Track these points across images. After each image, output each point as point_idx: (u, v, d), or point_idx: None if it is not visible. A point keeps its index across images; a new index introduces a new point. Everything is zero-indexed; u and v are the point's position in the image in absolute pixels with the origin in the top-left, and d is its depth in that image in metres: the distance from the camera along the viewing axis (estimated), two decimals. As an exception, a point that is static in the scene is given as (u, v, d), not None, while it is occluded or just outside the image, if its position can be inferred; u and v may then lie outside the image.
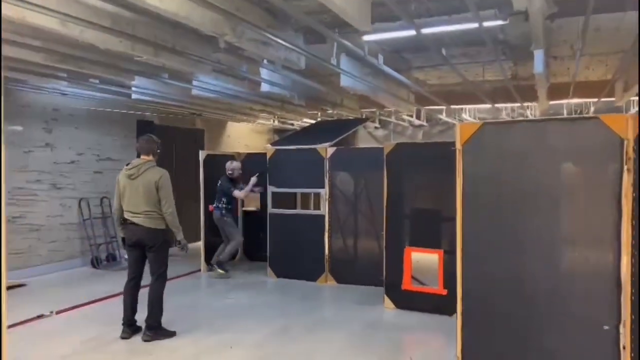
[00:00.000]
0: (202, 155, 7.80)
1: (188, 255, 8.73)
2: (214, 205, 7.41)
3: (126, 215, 4.65)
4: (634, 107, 9.27)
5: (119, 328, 4.80)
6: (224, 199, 7.31)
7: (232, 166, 7.45)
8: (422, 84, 8.40)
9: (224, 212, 7.32)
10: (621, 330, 2.76)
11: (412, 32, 4.13)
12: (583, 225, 2.96)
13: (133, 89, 7.05)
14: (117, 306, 5.11)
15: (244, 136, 12.76)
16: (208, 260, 7.61)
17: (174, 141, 10.22)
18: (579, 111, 10.17)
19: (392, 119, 11.67)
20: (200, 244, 7.77)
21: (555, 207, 3.06)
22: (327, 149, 6.92)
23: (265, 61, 5.65)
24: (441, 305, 5.30)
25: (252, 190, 7.52)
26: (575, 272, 2.96)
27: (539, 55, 5.31)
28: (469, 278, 3.31)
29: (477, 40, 6.01)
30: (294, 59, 5.31)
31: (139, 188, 4.58)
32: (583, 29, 4.03)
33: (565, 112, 9.97)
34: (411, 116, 10.94)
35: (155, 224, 4.61)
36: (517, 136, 3.15)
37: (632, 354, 2.74)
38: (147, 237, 4.60)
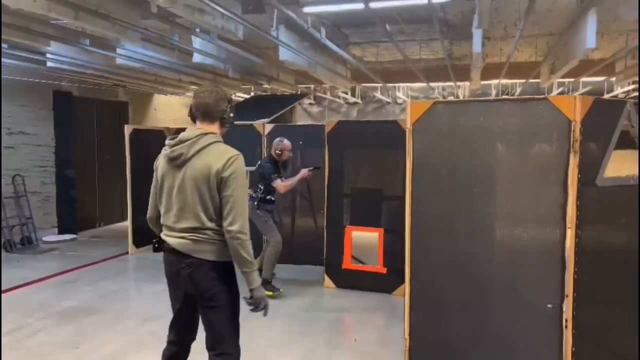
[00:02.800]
0: (127, 130, 7.28)
1: (113, 236, 8.29)
2: (249, 192, 5.18)
3: (163, 231, 2.60)
4: (556, 89, 9.75)
5: (39, 319, 4.38)
6: (261, 186, 5.33)
7: (282, 145, 5.39)
8: (359, 60, 8.31)
9: (258, 203, 5.29)
10: (564, 307, 2.84)
11: (360, 6, 3.97)
12: (531, 206, 2.99)
13: (48, 56, 6.38)
14: (35, 294, 4.67)
15: (173, 110, 12.13)
16: (135, 241, 7.18)
17: (95, 115, 9.50)
18: (507, 91, 10.56)
19: (328, 96, 11.55)
20: (128, 224, 7.30)
21: (504, 188, 3.06)
22: (264, 126, 6.68)
23: (198, 30, 5.28)
24: (381, 283, 5.34)
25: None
26: (523, 252, 3.00)
27: (478, 35, 5.35)
28: (418, 259, 3.27)
29: (415, 17, 5.98)
30: (231, 28, 4.99)
31: (185, 182, 2.46)
32: (528, 8, 4.05)
33: (494, 92, 10.31)
34: (347, 93, 10.87)
35: (214, 253, 2.47)
36: (468, 116, 3.11)
37: (574, 331, 2.83)
38: (197, 279, 2.48)
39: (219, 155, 2.44)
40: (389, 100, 11.81)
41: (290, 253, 6.62)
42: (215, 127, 2.55)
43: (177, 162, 2.49)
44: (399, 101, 11.90)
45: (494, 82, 9.48)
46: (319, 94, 11.46)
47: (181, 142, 2.49)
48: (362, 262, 5.70)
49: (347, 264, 5.53)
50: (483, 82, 9.12)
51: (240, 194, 2.42)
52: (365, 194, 5.67)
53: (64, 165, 8.59)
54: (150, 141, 7.50)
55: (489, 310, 3.10)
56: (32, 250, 7.47)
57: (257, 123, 6.71)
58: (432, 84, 10.08)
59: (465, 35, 6.12)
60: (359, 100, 11.93)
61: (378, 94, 11.00)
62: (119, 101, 10.19)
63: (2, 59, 6.54)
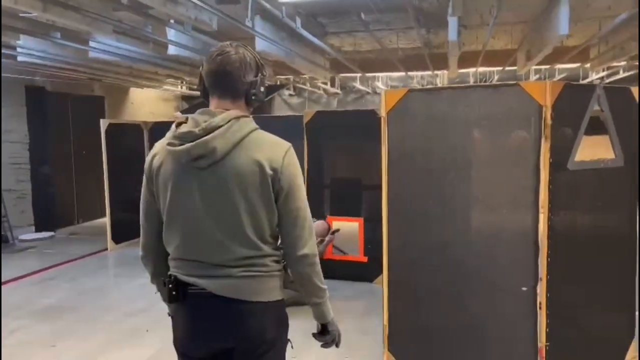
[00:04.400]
0: (103, 124, 7.16)
1: (92, 232, 8.17)
2: None
3: (177, 269, 1.73)
4: (532, 76, 9.85)
5: (16, 318, 4.32)
6: None
7: None
8: (337, 50, 8.28)
9: None
10: (538, 290, 2.89)
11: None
12: (504, 190, 3.02)
13: (19, 49, 6.23)
14: (13, 293, 4.60)
15: (150, 103, 11.97)
16: (114, 236, 7.10)
17: (70, 109, 9.33)
18: (484, 79, 10.64)
19: (307, 87, 11.50)
20: (107, 220, 7.21)
21: (478, 173, 3.09)
22: (242, 117, 6.62)
23: (172, 21, 5.20)
24: (362, 272, 5.37)
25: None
26: (498, 237, 3.04)
27: (453, 22, 5.36)
28: (395, 247, 3.29)
29: (391, 6, 5.97)
30: (205, 19, 4.92)
31: (221, 191, 1.66)
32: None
33: (471, 80, 10.39)
34: (326, 84, 10.85)
35: (279, 291, 1.79)
36: (442, 103, 3.12)
37: (548, 312, 2.88)
38: (254, 329, 1.71)
39: (270, 148, 1.67)
40: (368, 90, 11.83)
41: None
42: (241, 107, 1.72)
43: (201, 162, 1.62)
44: (379, 91, 11.91)
45: (471, 70, 9.54)
46: (298, 85, 11.41)
47: (206, 131, 1.62)
48: (343, 252, 5.72)
49: (328, 254, 5.54)
50: (461, 71, 9.17)
51: (305, 201, 1.73)
52: (345, 183, 5.68)
53: (39, 162, 8.43)
54: (127, 135, 7.44)
55: (465, 294, 3.14)
56: (9, 249, 7.34)
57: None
58: (411, 73, 10.11)
59: (441, 23, 6.13)
60: (339, 91, 11.92)
61: (357, 84, 11.00)
62: (94, 95, 10.01)
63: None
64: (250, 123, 1.70)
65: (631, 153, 3.29)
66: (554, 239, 2.87)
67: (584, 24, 6.55)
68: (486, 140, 3.07)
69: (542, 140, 2.84)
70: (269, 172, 1.64)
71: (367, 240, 5.34)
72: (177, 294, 1.70)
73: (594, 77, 9.57)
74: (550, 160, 2.84)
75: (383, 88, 11.49)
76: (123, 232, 7.10)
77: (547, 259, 2.86)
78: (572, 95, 2.93)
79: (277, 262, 1.75)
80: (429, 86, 11.24)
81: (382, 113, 3.25)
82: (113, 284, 5.89)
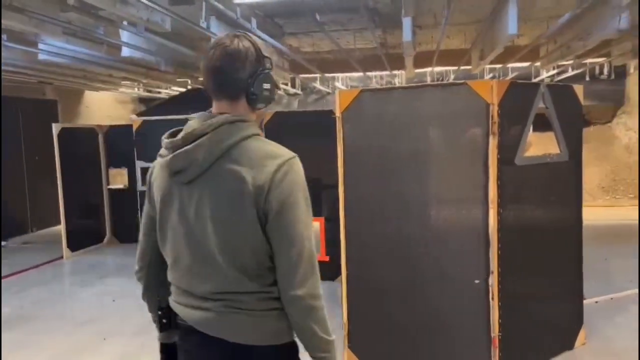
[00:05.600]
0: (55, 128, 6.94)
1: (47, 240, 7.90)
2: None
3: (173, 297, 1.52)
4: (487, 75, 10.13)
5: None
6: None
7: None
8: (296, 51, 8.30)
9: None
10: (490, 282, 2.98)
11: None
12: (456, 187, 3.11)
13: (-38, 52, 5.96)
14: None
15: (106, 107, 11.67)
16: (70, 244, 6.89)
17: (20, 114, 9.00)
18: (440, 79, 10.87)
19: (267, 87, 11.44)
20: (61, 227, 6.99)
21: (431, 170, 3.17)
22: (200, 120, 6.55)
23: (125, 23, 5.09)
24: (325, 271, 5.34)
25: None
26: (451, 232, 3.12)
27: (407, 23, 5.47)
28: (353, 244, 3.34)
29: (346, 7, 6.03)
30: (157, 20, 4.85)
31: (202, 211, 1.40)
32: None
33: (428, 79, 10.59)
34: (286, 84, 10.84)
35: (268, 333, 1.43)
36: (394, 103, 3.19)
37: (500, 303, 2.98)
38: None
39: (259, 159, 1.37)
40: (328, 90, 11.88)
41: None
42: (242, 108, 1.44)
43: (183, 177, 1.40)
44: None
45: (428, 69, 9.73)
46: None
47: (186, 140, 1.39)
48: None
49: (290, 254, 5.55)
50: (418, 70, 9.34)
51: (305, 226, 1.41)
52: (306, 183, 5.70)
53: (-12, 169, 8.10)
54: (81, 140, 7.24)
55: (422, 288, 3.21)
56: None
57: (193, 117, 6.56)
58: (369, 73, 10.23)
59: (397, 24, 6.23)
60: (300, 92, 11.93)
61: (318, 85, 11.04)
62: (46, 99, 9.68)
63: None
64: (245, 129, 1.40)
65: (575, 148, 3.44)
66: (504, 233, 2.98)
67: (532, 23, 6.79)
68: (438, 138, 3.15)
69: (490, 137, 2.94)
70: (251, 189, 1.33)
71: (329, 240, 5.37)
72: (168, 322, 1.51)
73: (544, 75, 9.92)
74: (498, 156, 2.94)
75: (343, 88, 11.58)
76: (79, 239, 6.91)
77: (498, 252, 2.96)
78: (518, 94, 3.04)
79: (265, 298, 1.40)
80: (384, 86, 11.41)
81: (337, 113, 3.28)
82: (68, 292, 5.72)
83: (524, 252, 3.16)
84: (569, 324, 3.59)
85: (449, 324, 3.17)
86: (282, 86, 11.07)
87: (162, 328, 1.54)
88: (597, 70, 9.84)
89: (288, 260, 1.37)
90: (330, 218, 5.37)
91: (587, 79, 9.79)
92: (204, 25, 4.94)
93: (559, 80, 9.72)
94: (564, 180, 3.45)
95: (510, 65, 9.12)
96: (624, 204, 10.19)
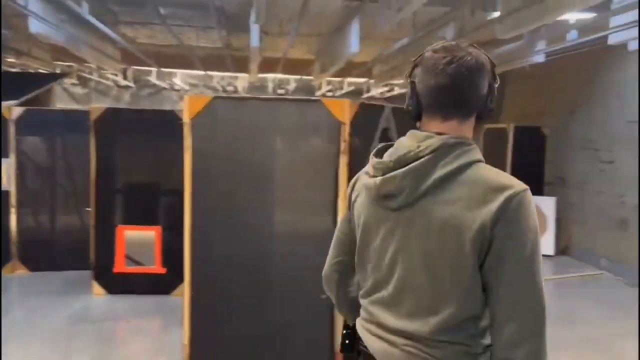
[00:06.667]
0: None
1: None
2: None
3: (361, 321, 1.39)
4: (325, 87, 10.58)
5: None
6: None
7: None
8: (131, 41, 7.64)
9: None
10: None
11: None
12: (307, 201, 3.10)
13: None
14: None
15: None
16: None
17: None
18: (282, 86, 11.04)
19: (95, 77, 10.37)
20: None
21: (283, 186, 3.12)
22: (12, 109, 5.60)
23: None
24: (159, 284, 5.00)
25: None
26: (299, 248, 3.10)
27: (255, 29, 5.39)
28: (198, 260, 3.12)
29: (192, 3, 5.73)
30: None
31: (410, 242, 1.24)
32: (302, 8, 4.20)
33: (270, 85, 10.67)
34: (117, 75, 9.94)
35: None
36: (248, 112, 3.07)
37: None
38: None
39: (483, 191, 1.18)
40: (165, 86, 11.22)
41: (51, 257, 5.75)
42: (468, 127, 1.29)
43: (391, 203, 1.25)
44: (177, 87, 11.40)
45: (270, 75, 9.80)
46: (83, 74, 10.22)
47: (400, 163, 1.23)
48: (138, 263, 5.27)
49: (120, 267, 5.03)
50: (261, 75, 9.34)
51: (535, 275, 1.16)
52: (141, 189, 5.23)
53: None
54: None
55: (270, 306, 3.14)
56: None
57: (3, 106, 5.58)
58: (211, 73, 9.93)
59: (243, 26, 6.11)
60: (132, 84, 11.04)
61: (153, 79, 10.35)
62: None
63: None
64: (468, 153, 1.22)
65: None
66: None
67: (369, 43, 7.26)
68: (291, 152, 3.12)
69: (341, 155, 2.99)
70: (475, 226, 1.15)
71: (166, 250, 5.00)
72: (350, 343, 1.44)
73: (375, 92, 10.72)
74: (348, 175, 3.01)
75: (181, 85, 11.04)
76: None
77: (345, 267, 3.03)
78: (367, 114, 3.16)
79: (470, 345, 1.22)
80: (231, 88, 11.20)
81: (186, 119, 3.04)
82: None
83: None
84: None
85: (295, 340, 3.14)
86: (111, 77, 10.13)
87: (343, 348, 1.48)
88: (418, 91, 10.94)
89: (506, 312, 1.16)
90: (168, 226, 5.01)
91: (410, 98, 10.83)
92: (21, 2, 4.22)
93: (387, 98, 10.60)
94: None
95: (347, 79, 9.66)
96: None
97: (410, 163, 1.21)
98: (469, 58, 1.22)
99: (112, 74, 9.75)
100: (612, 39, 4.60)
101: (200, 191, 3.10)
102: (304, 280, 3.06)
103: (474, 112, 1.28)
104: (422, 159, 1.20)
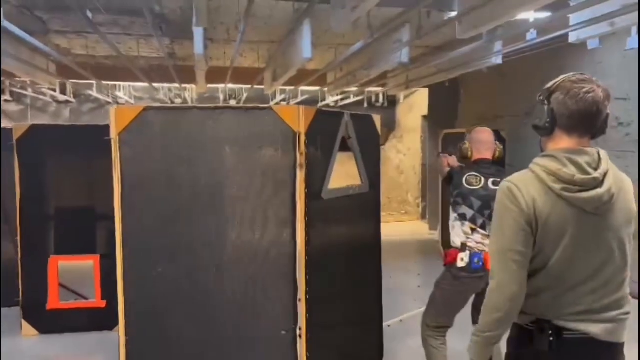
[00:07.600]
0: None
1: None
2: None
3: (570, 318, 1.61)
4: (278, 96, 10.21)
5: None
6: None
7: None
8: (65, 52, 7.05)
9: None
10: (298, 332, 2.65)
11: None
12: (259, 221, 2.70)
13: None
14: None
15: None
16: None
17: None
18: (233, 96, 10.60)
19: (29, 92, 9.62)
20: None
21: (230, 206, 2.72)
22: None
23: None
24: (100, 319, 4.46)
25: None
26: (252, 278, 2.70)
27: (198, 34, 4.96)
28: (133, 290, 2.70)
29: (129, 8, 5.26)
30: None
31: (606, 237, 1.62)
32: (246, 11, 3.84)
33: (221, 96, 10.23)
34: (54, 90, 9.24)
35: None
36: (187, 124, 2.67)
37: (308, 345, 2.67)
38: None
39: (629, 188, 1.70)
40: (108, 99, 10.56)
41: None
42: (587, 142, 1.68)
43: (603, 208, 1.60)
44: (121, 101, 10.75)
45: (221, 86, 9.36)
46: (16, 90, 9.46)
47: (604, 175, 1.60)
48: (82, 297, 4.76)
49: (54, 302, 4.47)
50: (210, 86, 8.89)
51: None
52: (75, 214, 4.69)
53: None
54: None
55: (222, 346, 2.73)
56: None
57: None
58: (157, 85, 9.39)
59: (187, 34, 5.68)
60: (72, 99, 10.32)
61: (94, 93, 9.70)
62: None
63: None
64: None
65: (374, 177, 3.40)
66: (311, 275, 2.69)
67: (322, 48, 6.97)
68: (238, 167, 2.72)
69: (298, 169, 2.63)
70: (635, 215, 1.67)
71: (105, 281, 4.48)
72: (555, 339, 1.62)
73: (330, 100, 10.45)
74: (306, 190, 2.65)
75: (126, 99, 10.42)
76: None
77: (306, 297, 2.66)
78: (324, 121, 2.82)
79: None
80: (179, 100, 10.68)
81: (113, 134, 2.61)
82: None
83: (329, 288, 2.93)
84: (370, 353, 3.52)
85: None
86: (48, 92, 9.43)
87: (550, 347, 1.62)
88: (373, 99, 10.80)
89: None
90: (107, 254, 4.48)
91: (366, 105, 10.66)
92: None
93: (342, 106, 10.34)
94: (365, 210, 3.38)
95: (301, 88, 9.33)
96: (403, 219, 11.34)
97: (606, 174, 1.59)
98: (597, 90, 1.57)
99: (49, 88, 9.06)
100: (573, 37, 4.46)
101: (133, 215, 2.67)
102: (257, 316, 2.67)
103: (597, 133, 1.65)
104: (609, 170, 1.60)
